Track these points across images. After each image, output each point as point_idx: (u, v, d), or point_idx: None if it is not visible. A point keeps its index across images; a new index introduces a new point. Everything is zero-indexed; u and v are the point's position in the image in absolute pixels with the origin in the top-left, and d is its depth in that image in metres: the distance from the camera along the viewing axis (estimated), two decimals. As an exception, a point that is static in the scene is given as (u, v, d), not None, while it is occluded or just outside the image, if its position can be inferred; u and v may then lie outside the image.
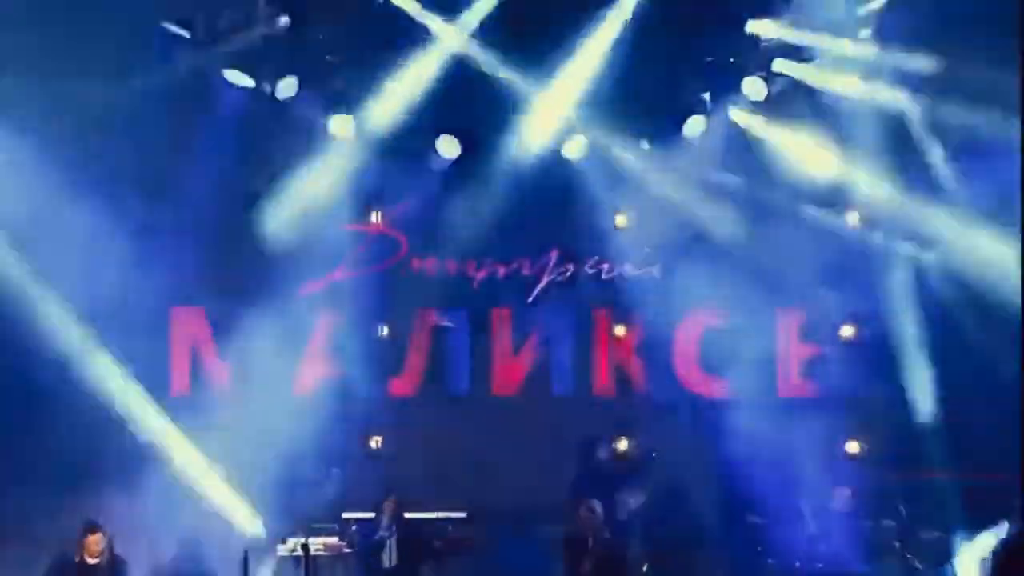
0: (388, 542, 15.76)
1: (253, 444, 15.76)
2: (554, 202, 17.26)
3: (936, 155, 16.44)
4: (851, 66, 16.36)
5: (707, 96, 16.94)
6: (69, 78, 15.40)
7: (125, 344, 16.13)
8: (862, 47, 16.27)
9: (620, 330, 17.80)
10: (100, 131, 15.84)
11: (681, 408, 17.50)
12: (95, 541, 14.30)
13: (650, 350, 17.68)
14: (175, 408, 16.54)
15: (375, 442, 17.31)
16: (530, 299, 17.84)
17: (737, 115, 17.00)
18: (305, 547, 15.32)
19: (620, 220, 17.54)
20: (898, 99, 16.36)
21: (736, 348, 16.96)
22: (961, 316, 16.36)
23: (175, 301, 17.01)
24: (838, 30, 16.22)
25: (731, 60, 16.70)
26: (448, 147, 16.97)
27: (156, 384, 16.55)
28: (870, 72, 16.36)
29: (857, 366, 16.99)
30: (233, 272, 17.03)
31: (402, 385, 17.68)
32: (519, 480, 16.97)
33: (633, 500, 16.42)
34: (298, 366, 17.03)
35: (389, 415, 17.43)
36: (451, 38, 16.13)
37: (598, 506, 15.30)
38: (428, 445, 17.21)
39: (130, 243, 16.08)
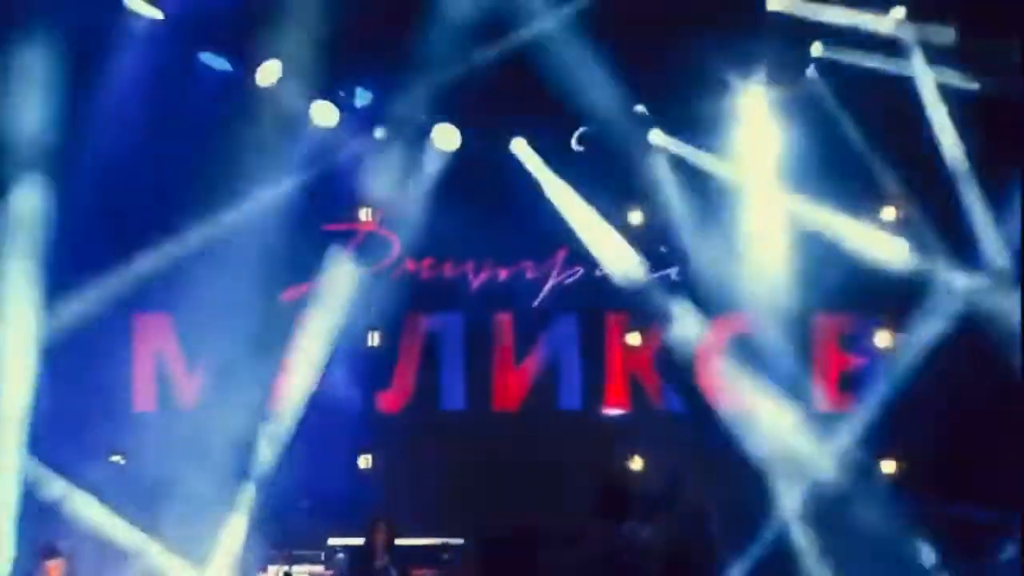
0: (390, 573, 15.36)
1: (226, 465, 15.65)
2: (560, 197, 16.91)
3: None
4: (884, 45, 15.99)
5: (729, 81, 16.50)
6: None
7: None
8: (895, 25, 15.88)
9: (635, 338, 17.28)
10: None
11: (703, 425, 16.89)
12: (56, 567, 14.31)
13: (669, 360, 17.15)
14: (139, 426, 16.38)
15: (365, 461, 16.86)
16: (535, 303, 17.34)
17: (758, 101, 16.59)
18: (288, 576, 15.85)
19: (634, 216, 17.07)
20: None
21: (766, 358, 16.54)
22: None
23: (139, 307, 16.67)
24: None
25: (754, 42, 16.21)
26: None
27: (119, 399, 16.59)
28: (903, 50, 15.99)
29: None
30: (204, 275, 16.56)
31: (392, 399, 17.24)
32: (522, 503, 16.45)
33: (643, 531, 15.99)
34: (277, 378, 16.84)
35: (377, 432, 17.02)
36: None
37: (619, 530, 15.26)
38: (421, 465, 16.86)
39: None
